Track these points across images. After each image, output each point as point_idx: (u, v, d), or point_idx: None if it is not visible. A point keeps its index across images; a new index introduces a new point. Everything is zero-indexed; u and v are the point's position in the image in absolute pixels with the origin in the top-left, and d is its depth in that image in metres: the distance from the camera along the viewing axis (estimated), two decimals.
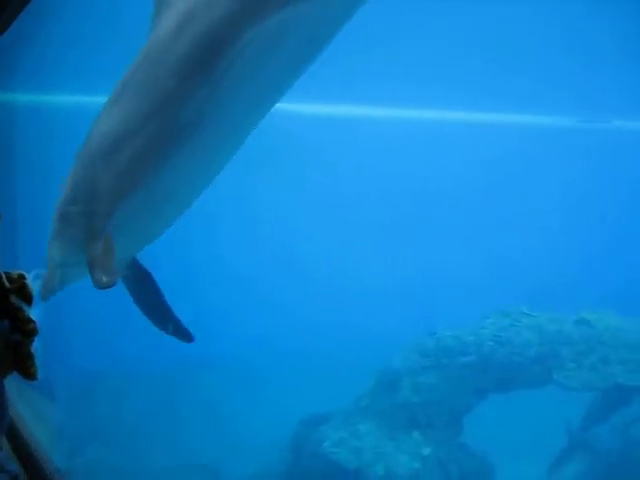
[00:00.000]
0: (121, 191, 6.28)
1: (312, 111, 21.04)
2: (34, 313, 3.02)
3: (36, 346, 3.04)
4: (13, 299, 2.95)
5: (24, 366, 3.00)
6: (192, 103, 5.87)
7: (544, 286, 17.53)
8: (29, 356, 2.99)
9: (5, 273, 2.99)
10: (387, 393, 11.84)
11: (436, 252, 22.31)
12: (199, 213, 7.32)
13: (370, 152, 22.25)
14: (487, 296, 13.91)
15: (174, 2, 5.92)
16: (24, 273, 3.05)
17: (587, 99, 19.83)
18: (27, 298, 3.00)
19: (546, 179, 23.37)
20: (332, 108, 21.47)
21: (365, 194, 22.85)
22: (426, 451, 11.12)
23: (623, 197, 23.93)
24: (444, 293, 18.46)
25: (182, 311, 7.69)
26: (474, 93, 19.14)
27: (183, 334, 7.71)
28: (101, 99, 6.52)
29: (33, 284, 3.06)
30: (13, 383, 3.15)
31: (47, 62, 15.03)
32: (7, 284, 2.96)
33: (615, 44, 16.16)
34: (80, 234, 6.55)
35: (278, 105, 6.32)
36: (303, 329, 18.28)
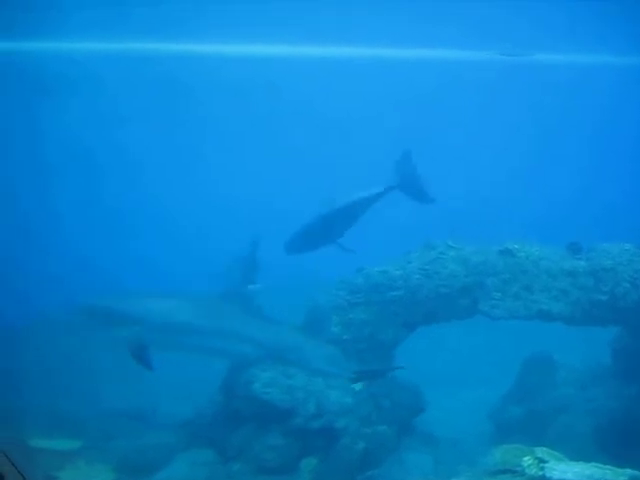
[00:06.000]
0: None
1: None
2: None
3: None
4: None
5: None
6: None
7: (468, 218, 17.70)
8: None
9: None
10: (316, 331, 11.86)
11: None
12: None
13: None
14: (413, 231, 13.95)
15: None
16: None
17: (509, 33, 19.86)
18: None
19: (468, 112, 23.53)
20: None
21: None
22: (357, 386, 11.20)
23: (545, 128, 24.23)
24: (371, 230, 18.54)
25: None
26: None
27: None
28: None
29: None
30: None
31: None
32: None
33: None
34: None
35: None
36: None
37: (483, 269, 11.58)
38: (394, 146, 12.41)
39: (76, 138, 23.22)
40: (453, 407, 12.90)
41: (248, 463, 10.94)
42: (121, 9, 17.35)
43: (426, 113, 24.18)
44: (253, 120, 24.23)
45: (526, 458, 7.63)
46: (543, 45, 20.56)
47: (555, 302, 11.13)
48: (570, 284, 11.27)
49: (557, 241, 12.11)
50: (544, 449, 7.84)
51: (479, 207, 21.07)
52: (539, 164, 24.92)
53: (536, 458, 7.64)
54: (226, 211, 22.35)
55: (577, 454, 7.83)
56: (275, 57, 21.82)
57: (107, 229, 21.74)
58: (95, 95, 22.20)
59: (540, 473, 7.37)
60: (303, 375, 11.25)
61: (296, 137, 24.02)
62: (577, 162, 25.02)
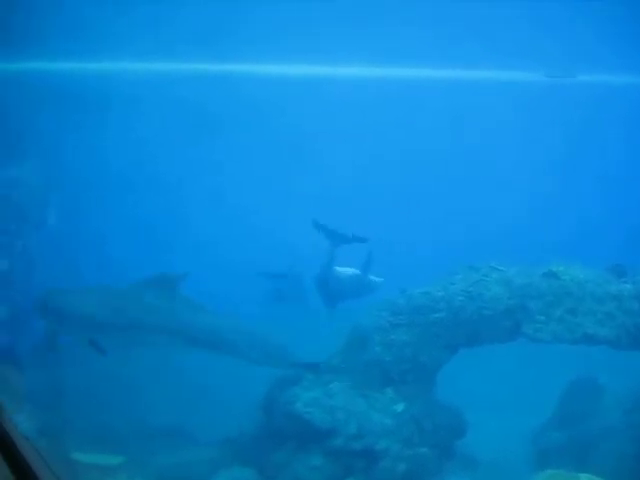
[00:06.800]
0: None
1: None
2: None
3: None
4: None
5: None
6: None
7: (511, 240, 17.58)
8: None
9: None
10: (358, 351, 11.85)
11: (402, 211, 22.38)
12: None
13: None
14: (455, 252, 13.93)
15: None
16: None
17: (553, 54, 19.80)
18: None
19: (512, 133, 23.44)
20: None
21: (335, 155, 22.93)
22: (399, 407, 11.18)
23: (587, 150, 24.05)
24: (413, 251, 18.55)
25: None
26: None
27: None
28: None
29: None
30: None
31: None
32: None
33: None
34: None
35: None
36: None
37: (527, 292, 11.50)
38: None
39: (111, 154, 23.63)
40: (495, 430, 12.76)
41: None
42: (156, 31, 17.79)
43: (459, 135, 24.20)
44: (291, 143, 24.35)
45: None
46: (579, 65, 20.53)
47: (600, 326, 11.00)
48: (615, 308, 11.14)
49: (597, 260, 12.04)
50: (588, 475, 7.75)
51: (515, 225, 21.02)
52: (574, 183, 24.77)
53: None
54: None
55: None
56: (310, 78, 22.00)
57: (141, 242, 22.04)
58: (129, 113, 22.57)
59: None
60: (344, 395, 11.25)
61: (328, 158, 24.11)
62: (615, 181, 24.79)
